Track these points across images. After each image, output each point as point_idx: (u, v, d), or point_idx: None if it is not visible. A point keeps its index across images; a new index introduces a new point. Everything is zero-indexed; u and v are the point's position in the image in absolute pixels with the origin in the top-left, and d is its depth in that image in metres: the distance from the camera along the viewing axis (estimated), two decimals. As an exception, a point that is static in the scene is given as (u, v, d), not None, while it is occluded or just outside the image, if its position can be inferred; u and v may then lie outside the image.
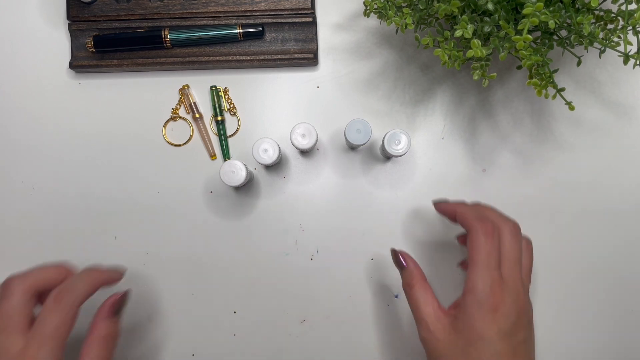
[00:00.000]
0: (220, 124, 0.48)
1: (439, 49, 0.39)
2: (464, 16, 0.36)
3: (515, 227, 0.38)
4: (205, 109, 0.49)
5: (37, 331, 0.35)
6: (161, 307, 0.48)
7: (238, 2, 0.48)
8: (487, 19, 0.37)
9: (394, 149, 0.43)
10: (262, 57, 0.48)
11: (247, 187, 0.48)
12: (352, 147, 0.48)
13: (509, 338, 0.35)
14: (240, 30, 0.47)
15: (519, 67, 0.41)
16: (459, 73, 0.49)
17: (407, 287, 0.40)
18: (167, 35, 0.47)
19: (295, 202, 0.48)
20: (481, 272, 0.36)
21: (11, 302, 0.35)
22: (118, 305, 0.39)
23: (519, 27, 0.34)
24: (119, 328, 0.39)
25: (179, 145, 0.49)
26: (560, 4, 0.35)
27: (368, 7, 0.41)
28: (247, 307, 0.48)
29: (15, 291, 0.36)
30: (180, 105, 0.49)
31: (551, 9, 0.34)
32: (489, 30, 0.37)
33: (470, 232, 0.37)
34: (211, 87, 0.49)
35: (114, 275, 0.41)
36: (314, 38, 0.48)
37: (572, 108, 0.39)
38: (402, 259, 0.41)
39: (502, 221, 0.38)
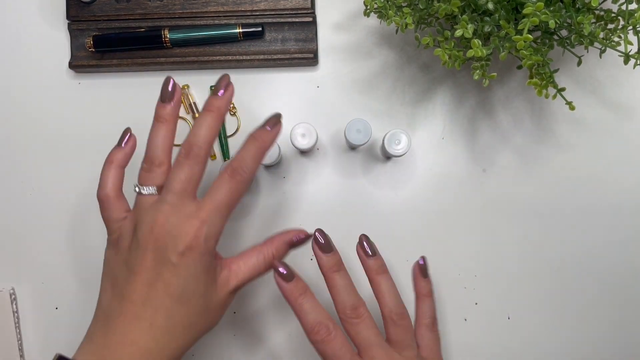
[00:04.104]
0: (220, 124, 0.48)
1: (439, 49, 0.39)
2: (464, 16, 0.36)
3: (356, 311, 0.36)
4: (205, 108, 0.49)
5: (206, 205, 0.35)
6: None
7: (238, 1, 0.48)
8: (487, 18, 0.37)
9: (394, 149, 0.43)
10: (262, 56, 0.47)
11: (247, 187, 0.48)
12: (352, 147, 0.48)
13: None
14: (240, 30, 0.47)
15: (519, 67, 0.41)
16: (459, 73, 0.49)
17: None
18: (167, 35, 0.47)
19: (295, 202, 0.48)
20: None
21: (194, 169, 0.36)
22: (298, 243, 0.39)
23: (519, 27, 0.34)
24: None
25: (179, 145, 0.49)
26: (561, 3, 0.35)
27: (368, 7, 0.41)
28: (247, 307, 0.48)
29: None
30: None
31: (551, 8, 0.34)
32: (489, 30, 0.37)
33: (312, 343, 0.36)
34: (211, 87, 0.49)
35: (276, 132, 0.37)
36: (314, 38, 0.48)
37: (572, 108, 0.39)
38: None
39: (340, 309, 0.36)
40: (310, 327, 0.35)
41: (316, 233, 0.38)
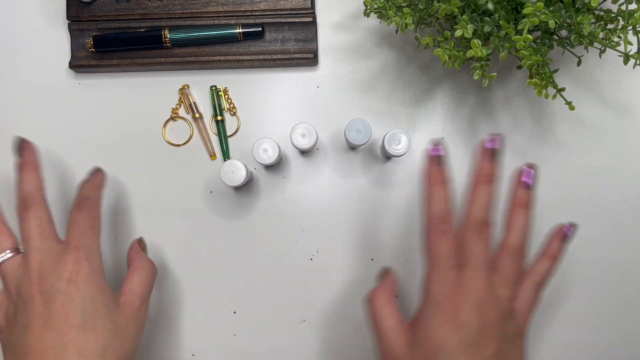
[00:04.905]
0: (220, 124, 0.48)
1: (439, 49, 0.39)
2: (464, 16, 0.36)
3: (481, 228, 0.34)
4: (205, 108, 0.49)
5: (71, 235, 0.36)
6: (161, 307, 0.48)
7: (238, 2, 0.48)
8: (487, 18, 0.37)
9: (394, 149, 0.43)
10: (262, 57, 0.47)
11: (247, 187, 0.48)
12: (352, 147, 0.48)
13: (473, 351, 0.31)
14: (240, 30, 0.47)
15: (519, 67, 0.41)
16: (459, 73, 0.49)
17: (368, 297, 0.37)
18: (167, 35, 0.47)
19: (295, 202, 0.48)
20: (436, 274, 0.33)
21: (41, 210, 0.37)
22: (141, 244, 0.43)
23: (519, 27, 0.34)
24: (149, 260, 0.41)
25: (179, 145, 0.49)
26: (561, 3, 0.35)
27: (368, 7, 0.41)
28: (247, 307, 0.48)
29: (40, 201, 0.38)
30: (180, 105, 0.49)
31: (551, 8, 0.34)
32: (489, 30, 0.37)
33: (425, 232, 0.35)
34: (211, 87, 0.49)
35: (101, 175, 0.42)
36: (314, 38, 0.48)
37: (572, 108, 0.39)
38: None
39: (469, 219, 0.35)
40: (433, 215, 0.34)
41: (488, 139, 0.36)
